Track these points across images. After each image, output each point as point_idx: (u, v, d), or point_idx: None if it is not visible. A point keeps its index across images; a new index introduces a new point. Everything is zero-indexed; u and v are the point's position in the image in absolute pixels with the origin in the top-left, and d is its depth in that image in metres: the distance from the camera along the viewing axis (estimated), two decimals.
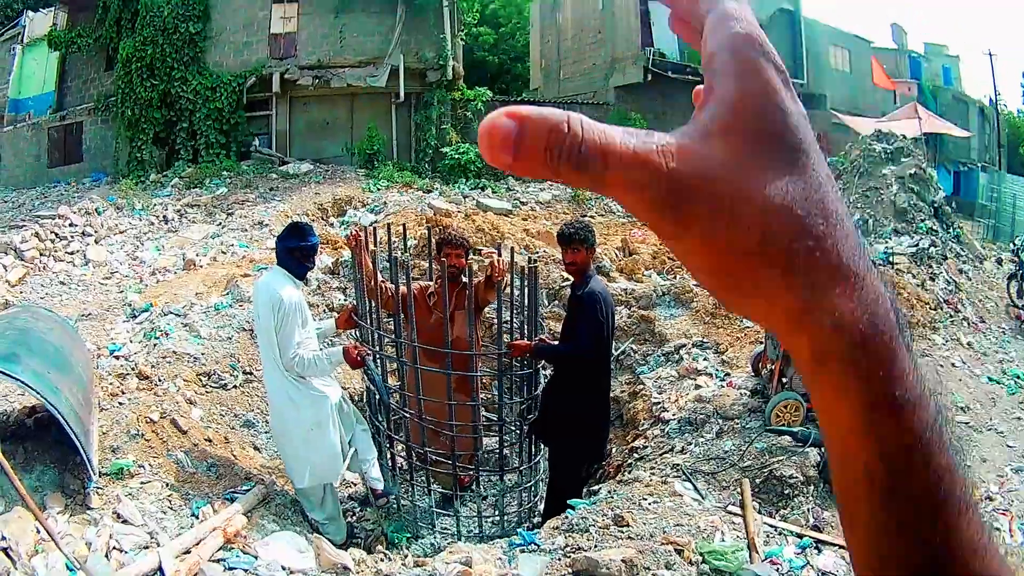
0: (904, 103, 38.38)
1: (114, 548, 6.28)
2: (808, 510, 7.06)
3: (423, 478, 8.57)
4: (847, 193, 19.00)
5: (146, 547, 6.40)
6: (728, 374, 9.87)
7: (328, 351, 7.70)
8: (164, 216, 22.68)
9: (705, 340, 10.88)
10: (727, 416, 8.52)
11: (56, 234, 20.36)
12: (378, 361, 8.19)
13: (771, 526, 6.83)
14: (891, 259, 14.14)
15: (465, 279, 8.33)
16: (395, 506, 8.86)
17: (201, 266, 17.21)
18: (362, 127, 29.18)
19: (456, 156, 27.85)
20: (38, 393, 6.54)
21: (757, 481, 7.20)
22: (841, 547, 6.38)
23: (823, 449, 6.82)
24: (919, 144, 22.75)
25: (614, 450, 9.61)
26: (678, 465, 7.68)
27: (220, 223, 21.64)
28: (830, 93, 41.37)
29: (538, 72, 43.07)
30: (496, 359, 8.39)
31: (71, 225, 21.28)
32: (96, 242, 20.59)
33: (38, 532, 6.13)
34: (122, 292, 15.79)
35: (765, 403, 8.35)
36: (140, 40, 28.86)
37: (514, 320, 8.59)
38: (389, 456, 8.87)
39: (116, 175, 29.38)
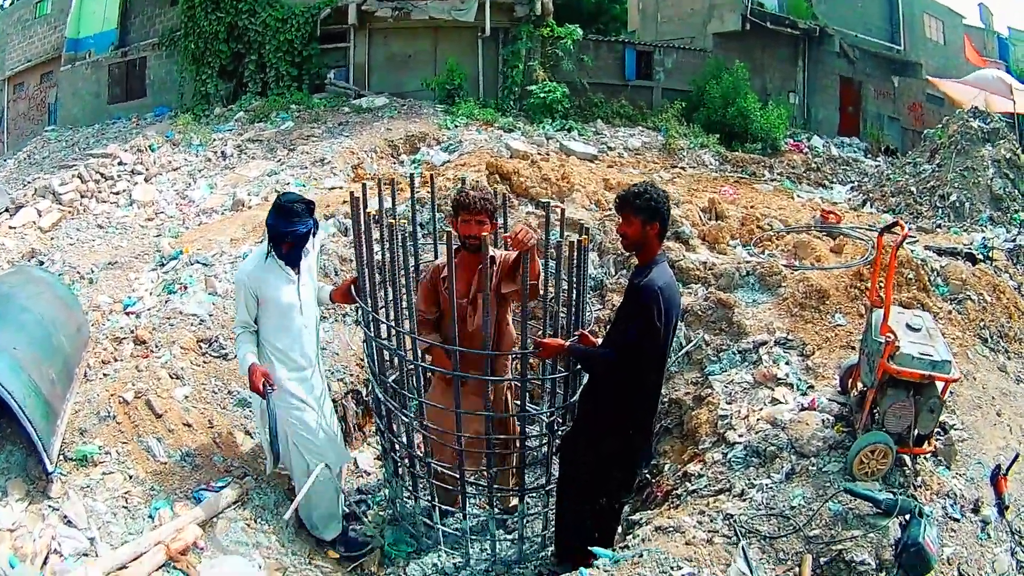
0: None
1: (54, 551, 5.97)
2: None
3: (429, 484, 7.67)
4: (944, 171, 17.86)
5: (85, 554, 6.07)
6: (811, 387, 8.50)
7: (244, 358, 6.96)
8: (223, 152, 22.40)
9: (790, 337, 9.43)
10: (803, 452, 7.17)
11: (102, 174, 20.23)
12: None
13: None
14: (990, 253, 12.59)
15: (495, 252, 7.34)
16: (395, 512, 8.20)
17: (250, 206, 16.72)
18: (445, 62, 28.52)
19: (543, 95, 27.05)
20: None
21: (821, 560, 5.98)
22: None
23: (906, 518, 5.84)
24: (1013, 127, 21.51)
25: (667, 467, 8.51)
26: (732, 517, 6.48)
27: (280, 160, 21.14)
28: (925, 61, 40.07)
29: (636, 13, 42.04)
30: (520, 359, 7.29)
31: (120, 164, 21.19)
32: (146, 180, 20.42)
33: None
34: (159, 235, 15.48)
35: (850, 436, 7.13)
36: None
37: (552, 306, 7.46)
38: (391, 453, 8.02)
39: (180, 109, 29.45)
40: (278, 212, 6.84)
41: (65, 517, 6.35)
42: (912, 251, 11.01)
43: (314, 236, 7.23)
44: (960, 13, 45.40)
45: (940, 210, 16.86)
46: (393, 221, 7.29)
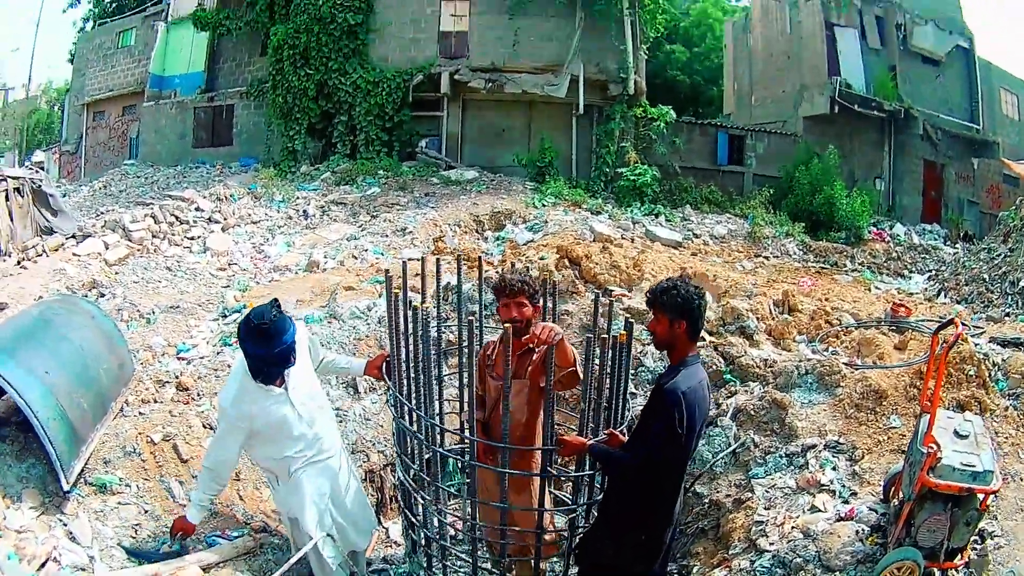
0: None
1: (54, 559, 6.10)
2: None
3: (443, 566, 7.58)
4: (1016, 255, 17.25)
5: (82, 569, 6.21)
6: (855, 494, 8.19)
7: (198, 499, 6.77)
8: (305, 211, 22.81)
9: (841, 441, 9.09)
10: (829, 566, 6.94)
11: (177, 216, 20.60)
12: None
13: None
14: None
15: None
16: None
17: (325, 269, 16.92)
18: (538, 137, 28.90)
19: (632, 177, 27.13)
20: (17, 392, 6.46)
21: None
22: None
23: None
24: None
25: (696, 569, 8.32)
26: None
27: (362, 225, 21.39)
28: (1002, 140, 39.65)
29: (731, 96, 42.57)
30: (544, 454, 6.90)
31: (197, 209, 21.59)
32: (223, 230, 20.86)
33: (4, 518, 6.28)
34: (228, 287, 15.70)
35: (882, 548, 6.85)
36: (293, 28, 29.47)
37: (594, 399, 7.05)
38: (410, 531, 7.88)
39: (267, 162, 30.13)
40: (259, 336, 6.37)
41: (71, 533, 6.52)
42: (976, 344, 10.65)
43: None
44: None
45: (1009, 297, 16.23)
46: (418, 305, 7.11)
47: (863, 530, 7.26)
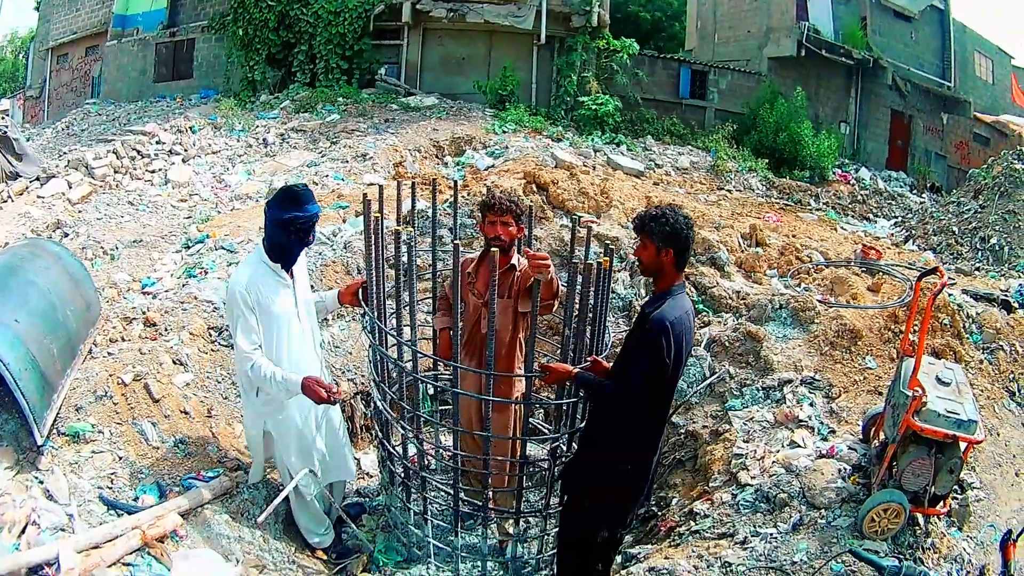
0: None
1: (33, 523, 5.91)
2: None
3: (422, 498, 7.49)
4: (987, 212, 17.74)
5: (62, 529, 5.99)
6: (833, 431, 8.24)
7: (287, 378, 6.49)
8: (264, 139, 22.47)
9: (817, 377, 9.18)
10: (813, 503, 6.97)
11: (138, 151, 20.34)
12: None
13: None
14: None
15: (516, 260, 7.33)
16: (389, 520, 8.10)
17: None
18: (499, 66, 28.51)
19: (594, 106, 26.91)
20: None
21: None
22: None
23: None
24: None
25: (675, 502, 8.36)
26: (730, 566, 6.32)
27: (321, 151, 21.08)
28: (974, 99, 40.46)
29: (694, 33, 42.22)
30: (527, 381, 6.95)
31: (158, 142, 21.27)
32: (183, 161, 20.57)
33: None
34: (190, 218, 15.54)
35: (865, 489, 6.90)
36: None
37: (574, 326, 6.91)
38: (387, 462, 7.91)
39: (227, 93, 29.72)
40: (296, 199, 6.53)
41: (47, 491, 6.32)
42: (949, 295, 10.75)
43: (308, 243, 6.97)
44: (1010, 53, 45.75)
45: (980, 252, 16.74)
46: (398, 228, 7.09)
47: (845, 469, 7.30)
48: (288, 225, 6.53)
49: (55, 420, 7.01)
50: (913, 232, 19.22)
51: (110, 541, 5.90)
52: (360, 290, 7.21)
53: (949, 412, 6.24)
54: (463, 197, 13.03)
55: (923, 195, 30.53)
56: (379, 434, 7.75)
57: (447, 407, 8.71)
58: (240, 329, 6.49)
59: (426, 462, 7.81)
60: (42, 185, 17.66)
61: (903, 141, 36.93)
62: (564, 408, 7.27)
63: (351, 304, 7.47)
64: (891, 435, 6.64)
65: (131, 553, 5.92)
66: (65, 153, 21.51)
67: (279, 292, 6.71)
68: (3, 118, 20.61)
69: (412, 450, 7.66)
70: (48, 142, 27.22)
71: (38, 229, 14.90)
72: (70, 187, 17.60)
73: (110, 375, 7.85)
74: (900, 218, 23.33)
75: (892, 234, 20.03)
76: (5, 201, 16.65)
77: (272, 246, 6.69)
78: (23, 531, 5.81)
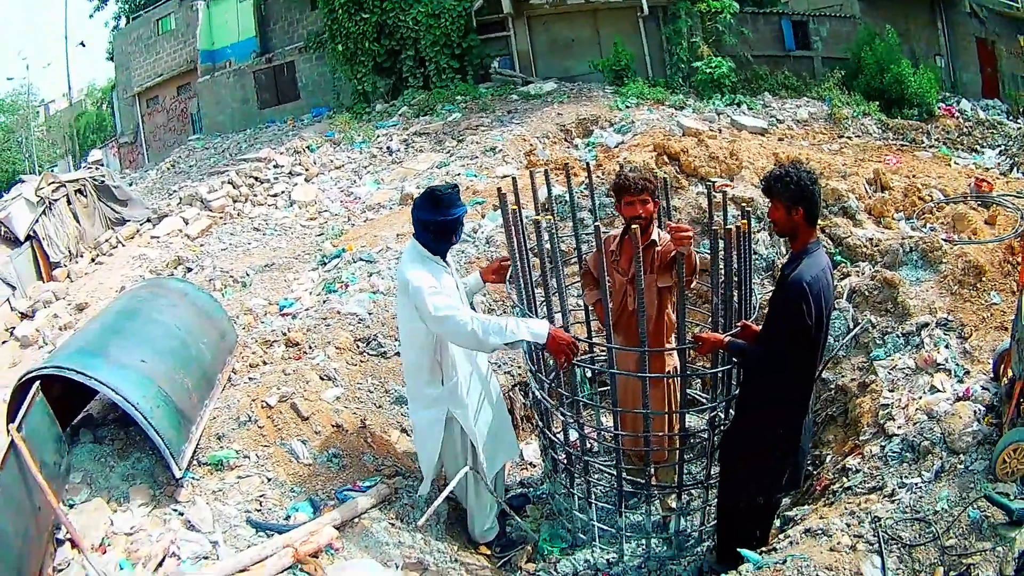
0: None
1: (172, 555, 6.02)
2: None
3: (585, 482, 7.46)
4: None
5: (205, 557, 6.07)
6: (968, 372, 8.06)
7: (529, 325, 6.25)
8: (388, 147, 22.55)
9: (950, 319, 8.99)
10: (953, 448, 6.76)
11: (256, 178, 20.65)
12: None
13: None
14: None
15: (657, 234, 7.37)
16: (555, 509, 8.05)
17: None
18: (609, 43, 28.26)
19: (709, 70, 26.61)
20: (114, 391, 6.43)
21: (951, 575, 5.49)
22: None
23: None
24: None
25: (828, 459, 8.32)
26: (879, 520, 6.08)
27: (449, 151, 21.01)
28: None
29: None
30: (680, 353, 6.92)
31: (276, 166, 21.70)
32: (306, 181, 20.87)
33: (111, 524, 6.18)
34: (322, 234, 15.62)
35: (998, 429, 6.62)
36: None
37: (721, 293, 6.76)
38: (549, 450, 7.94)
39: (339, 108, 30.22)
40: (437, 202, 6.55)
41: (188, 522, 6.36)
42: None
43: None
44: None
45: None
46: (538, 217, 7.14)
47: (980, 410, 7.11)
48: (428, 226, 6.63)
49: (195, 452, 7.08)
50: (1016, 160, 18.76)
51: (258, 563, 5.93)
52: (500, 268, 7.38)
53: None
54: (598, 177, 12.98)
55: (1019, 120, 29.34)
56: (540, 423, 7.84)
57: (605, 388, 8.85)
58: (435, 298, 6.31)
59: (588, 446, 7.73)
60: (155, 226, 18.07)
61: (992, 68, 35.71)
62: (719, 376, 7.12)
63: (493, 281, 7.61)
64: (1018, 371, 6.38)
65: (282, 572, 5.93)
66: (175, 191, 22.24)
67: (442, 278, 6.67)
68: (98, 168, 20.90)
69: (573, 435, 7.59)
70: (154, 183, 28.14)
71: (157, 269, 15.36)
72: (186, 223, 17.95)
73: (253, 400, 7.96)
74: (1003, 146, 22.66)
75: (998, 163, 19.53)
76: (115, 247, 16.89)
77: (423, 242, 6.74)
78: (160, 564, 5.87)
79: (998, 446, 6.13)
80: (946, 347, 8.45)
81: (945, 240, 10.30)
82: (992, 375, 7.53)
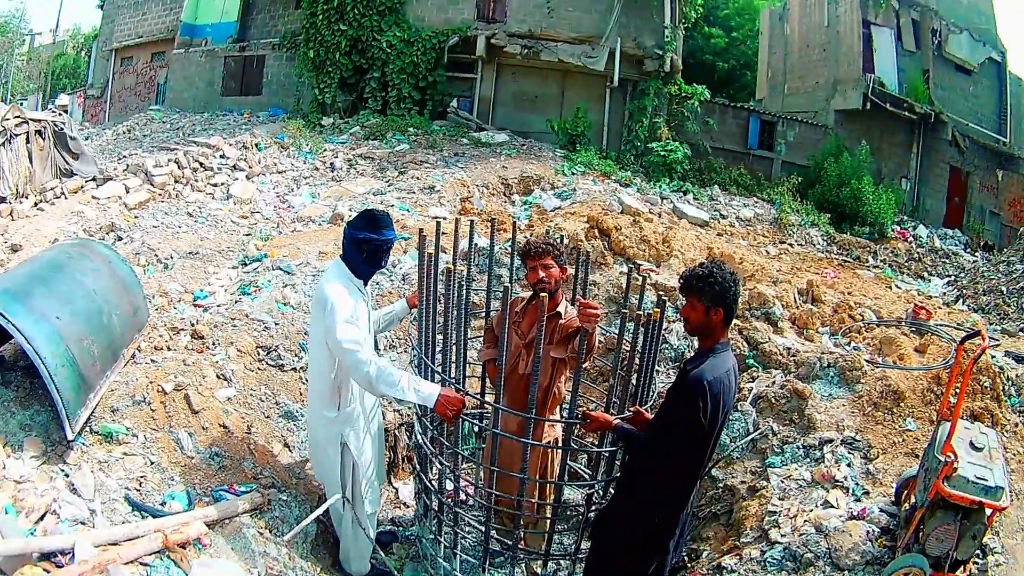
0: None
1: (53, 512, 6.00)
2: None
3: (453, 532, 7.52)
4: None
5: (82, 523, 6.04)
6: (867, 493, 8.15)
7: (419, 387, 6.43)
8: (332, 163, 22.75)
9: (858, 438, 9.07)
10: (838, 564, 6.92)
11: (201, 163, 20.55)
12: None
13: None
14: None
15: (564, 307, 7.45)
16: (421, 552, 8.13)
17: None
18: (571, 106, 28.88)
19: (663, 153, 27.04)
20: (24, 337, 6.40)
21: None
22: None
23: None
24: None
25: (705, 555, 8.28)
26: None
27: (389, 181, 21.22)
28: None
29: (764, 83, 42.89)
30: (568, 427, 6.89)
31: (223, 156, 21.52)
32: (248, 178, 20.74)
33: (4, 467, 6.20)
34: (249, 235, 15.69)
35: (890, 552, 6.83)
36: None
37: (620, 375, 6.87)
38: (423, 493, 7.95)
39: (295, 113, 30.26)
40: (375, 222, 6.81)
41: (72, 484, 6.39)
42: (992, 356, 10.65)
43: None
44: None
45: None
46: (450, 265, 7.19)
47: (873, 531, 7.25)
48: (361, 245, 6.81)
49: (89, 418, 7.13)
50: (964, 292, 19.10)
51: (130, 540, 5.92)
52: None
53: (978, 478, 6.18)
54: (524, 236, 12.95)
55: (976, 253, 30.31)
56: (418, 467, 7.84)
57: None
58: (346, 324, 6.52)
59: (462, 497, 7.89)
60: (98, 186, 17.84)
61: (960, 198, 36.82)
62: (603, 455, 7.21)
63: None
64: (921, 499, 6.59)
65: (151, 555, 5.91)
66: (125, 157, 22.01)
67: (359, 304, 6.84)
68: (61, 115, 20.83)
69: (449, 485, 7.67)
70: (108, 144, 27.94)
71: (90, 230, 15.12)
72: (127, 191, 17.76)
73: (151, 382, 7.98)
74: (953, 277, 23.16)
75: (944, 293, 19.93)
76: (58, 197, 16.83)
77: (348, 264, 6.95)
78: (41, 518, 5.88)
79: (888, 568, 6.39)
80: (848, 465, 8.59)
81: (868, 361, 10.45)
82: (893, 500, 7.72)
